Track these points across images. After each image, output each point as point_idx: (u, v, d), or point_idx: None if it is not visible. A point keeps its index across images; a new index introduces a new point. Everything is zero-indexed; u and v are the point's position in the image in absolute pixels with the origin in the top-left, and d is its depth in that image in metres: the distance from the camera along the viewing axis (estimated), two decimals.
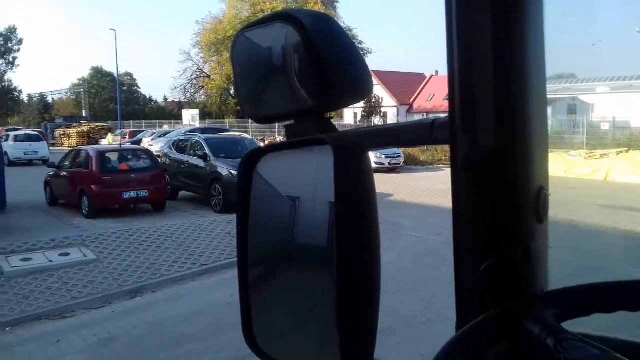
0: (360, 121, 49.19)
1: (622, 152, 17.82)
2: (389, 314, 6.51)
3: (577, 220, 11.14)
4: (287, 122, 1.01)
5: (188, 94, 60.22)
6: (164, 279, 8.64)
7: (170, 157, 16.07)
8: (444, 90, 56.97)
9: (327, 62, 0.83)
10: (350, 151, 0.91)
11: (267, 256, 1.00)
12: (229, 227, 10.74)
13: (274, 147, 1.04)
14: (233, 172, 12.80)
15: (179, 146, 16.18)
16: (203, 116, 50.71)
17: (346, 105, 0.99)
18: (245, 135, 22.49)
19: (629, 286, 0.92)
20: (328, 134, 0.87)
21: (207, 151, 14.46)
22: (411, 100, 61.21)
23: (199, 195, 14.85)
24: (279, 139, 27.50)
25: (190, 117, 49.65)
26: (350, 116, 55.85)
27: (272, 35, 0.88)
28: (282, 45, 0.87)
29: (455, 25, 0.97)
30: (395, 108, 59.71)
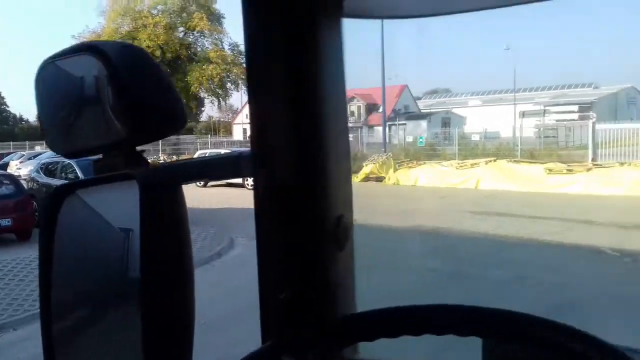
0: (249, 137, 48.97)
1: (490, 161, 19.32)
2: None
3: (446, 227, 11.89)
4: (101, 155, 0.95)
5: None
6: (28, 315, 7.88)
7: (38, 181, 14.86)
8: None
9: (135, 94, 0.81)
10: (159, 186, 0.87)
11: (76, 296, 0.93)
12: None
13: (81, 184, 0.97)
14: None
15: (48, 169, 15.04)
16: None
17: (159, 138, 0.94)
18: None
19: (417, 311, 0.96)
20: (137, 169, 0.85)
21: (79, 174, 13.57)
22: None
23: None
24: (163, 158, 26.54)
25: None
26: (239, 132, 55.46)
27: (83, 65, 0.84)
28: (94, 75, 0.84)
29: (254, 68, 0.98)
30: None
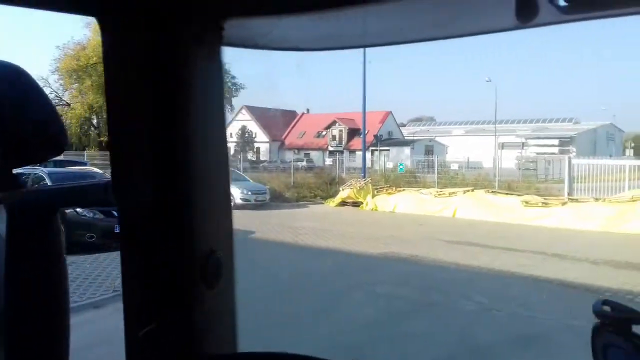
0: (233, 156, 48.86)
1: (468, 190, 19.45)
2: None
3: (420, 255, 11.84)
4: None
5: None
6: None
7: None
8: (315, 128, 58.90)
9: (12, 118, 0.79)
10: (30, 210, 0.82)
11: None
12: (69, 269, 9.86)
13: None
14: (79, 210, 11.87)
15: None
16: None
17: (37, 161, 0.94)
18: (95, 169, 21.17)
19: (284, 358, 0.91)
20: (8, 193, 0.82)
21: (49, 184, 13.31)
22: (283, 137, 62.38)
23: None
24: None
25: None
26: None
27: None
28: None
29: (114, 97, 0.93)
30: (268, 144, 60.44)
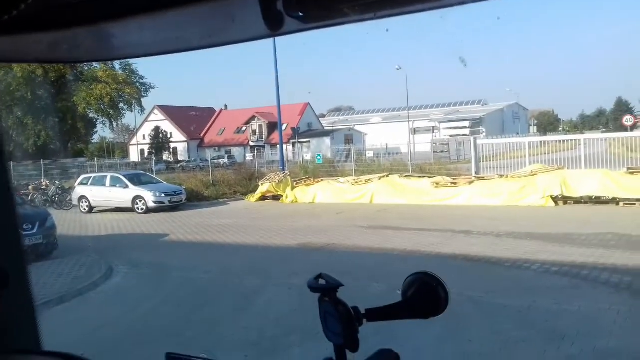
0: (147, 158, 47.21)
1: (383, 176, 19.90)
2: None
3: (337, 242, 12.00)
4: None
5: None
6: None
7: None
8: (235, 124, 58.07)
9: None
10: None
11: None
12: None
13: None
14: None
15: None
16: None
17: None
18: None
19: None
20: None
21: None
22: (202, 135, 61.05)
23: None
24: (45, 183, 24.78)
25: None
26: (136, 154, 53.36)
27: None
28: None
29: None
30: (186, 143, 58.95)
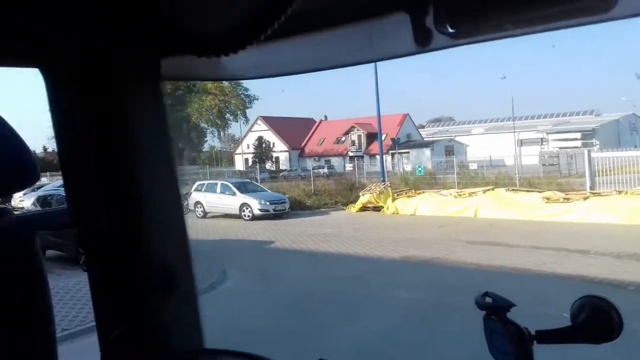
0: (251, 166, 49.20)
1: (488, 189, 19.28)
2: None
3: (441, 257, 11.82)
4: None
5: None
6: None
7: None
8: (334, 134, 58.83)
9: None
10: (13, 235, 0.91)
11: None
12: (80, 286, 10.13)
13: None
14: None
15: (46, 201, 15.15)
16: None
17: (9, 193, 1.00)
18: None
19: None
20: None
21: None
22: (302, 145, 62.42)
23: (67, 254, 13.88)
24: None
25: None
26: (240, 162, 55.73)
27: None
28: None
29: (57, 126, 1.03)
30: (287, 152, 60.55)
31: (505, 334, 0.99)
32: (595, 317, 0.98)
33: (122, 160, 0.98)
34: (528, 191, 18.74)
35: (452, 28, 0.82)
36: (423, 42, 0.86)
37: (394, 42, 0.98)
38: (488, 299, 1.02)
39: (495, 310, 1.02)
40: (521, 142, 49.19)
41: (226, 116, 45.94)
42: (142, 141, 1.00)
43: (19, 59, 1.00)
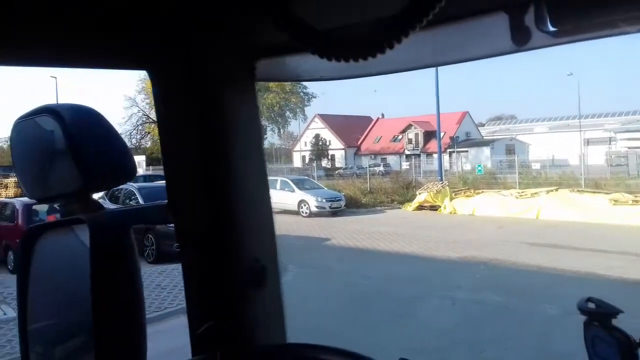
0: (308, 164, 49.60)
1: (552, 190, 18.63)
2: None
3: (501, 258, 11.54)
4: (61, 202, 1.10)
5: (134, 140, 59.48)
6: None
7: (104, 207, 15.66)
8: (391, 132, 58.32)
9: (86, 150, 0.94)
10: (108, 229, 1.00)
11: (46, 329, 1.06)
12: (160, 279, 10.52)
13: (48, 226, 1.11)
14: None
15: (113, 195, 15.87)
16: (150, 162, 49.94)
17: (110, 187, 1.11)
18: None
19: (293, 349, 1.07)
20: (89, 214, 0.96)
21: (140, 201, 14.25)
22: (359, 143, 62.20)
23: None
24: None
25: (137, 164, 48.80)
26: (298, 159, 56.27)
27: (45, 125, 0.97)
28: (52, 133, 0.96)
29: (168, 133, 1.11)
30: (343, 150, 60.55)
31: (610, 340, 0.97)
32: None
33: (218, 158, 1.07)
34: (594, 192, 17.98)
35: (553, 26, 0.81)
36: (521, 41, 0.85)
37: (491, 41, 0.97)
38: (591, 305, 1.01)
39: (600, 316, 1.00)
40: (587, 142, 47.04)
41: (286, 114, 46.63)
42: (237, 140, 1.09)
43: (131, 63, 1.10)
